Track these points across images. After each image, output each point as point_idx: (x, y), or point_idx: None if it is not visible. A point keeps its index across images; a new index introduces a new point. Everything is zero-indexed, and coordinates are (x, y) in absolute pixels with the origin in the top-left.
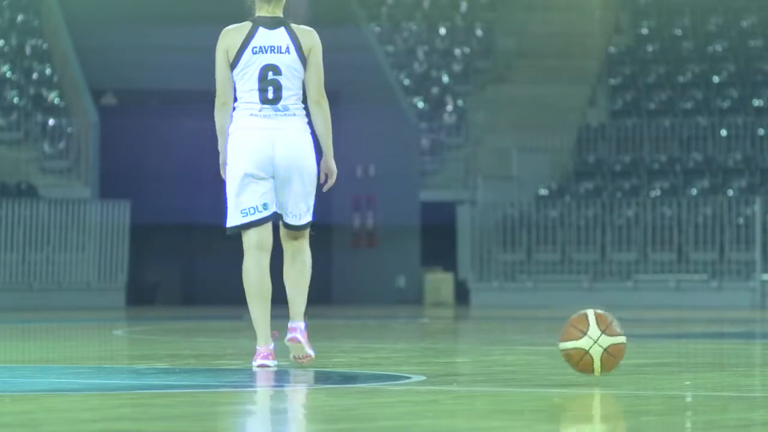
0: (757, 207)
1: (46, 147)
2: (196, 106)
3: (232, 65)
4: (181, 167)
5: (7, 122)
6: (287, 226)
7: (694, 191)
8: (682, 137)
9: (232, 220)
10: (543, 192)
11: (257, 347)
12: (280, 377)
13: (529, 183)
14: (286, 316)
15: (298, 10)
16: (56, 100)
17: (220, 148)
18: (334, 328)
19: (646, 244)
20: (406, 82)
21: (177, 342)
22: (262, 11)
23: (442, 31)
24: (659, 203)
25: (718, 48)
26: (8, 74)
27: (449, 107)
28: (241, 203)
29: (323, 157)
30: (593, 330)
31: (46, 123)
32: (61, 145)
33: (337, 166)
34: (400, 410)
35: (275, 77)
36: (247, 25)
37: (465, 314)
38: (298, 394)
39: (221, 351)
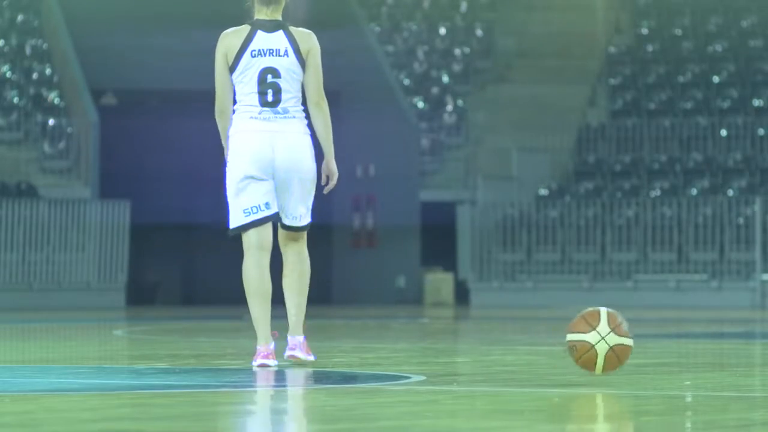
0: (757, 207)
1: (46, 147)
2: (196, 106)
3: (231, 68)
4: (181, 167)
5: (7, 122)
6: (286, 227)
7: (694, 191)
8: (682, 137)
9: (235, 220)
10: (543, 192)
11: (257, 347)
12: (280, 377)
13: (529, 183)
14: (286, 316)
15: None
16: (56, 100)
17: (223, 144)
18: (334, 328)
19: (646, 244)
20: (406, 82)
21: (177, 342)
22: (260, 14)
23: (442, 31)
24: (659, 203)
25: (718, 48)
26: (8, 74)
27: (449, 107)
28: (243, 203)
29: (324, 159)
30: (603, 326)
31: (46, 123)
32: (61, 145)
33: (337, 166)
34: (400, 410)
35: (274, 80)
36: (245, 29)
37: (465, 314)
38: (298, 394)
39: (221, 351)
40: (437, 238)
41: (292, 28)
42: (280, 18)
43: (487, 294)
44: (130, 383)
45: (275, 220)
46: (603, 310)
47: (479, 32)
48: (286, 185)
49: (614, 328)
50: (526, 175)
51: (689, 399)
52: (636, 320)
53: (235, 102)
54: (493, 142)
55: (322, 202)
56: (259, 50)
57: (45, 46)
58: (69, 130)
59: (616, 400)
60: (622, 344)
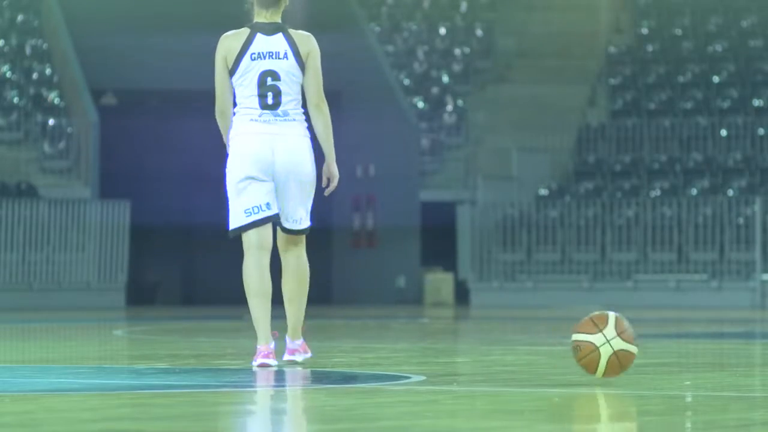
0: (757, 207)
1: (46, 147)
2: (196, 106)
3: (231, 71)
4: (181, 167)
5: (7, 122)
6: (286, 230)
7: (694, 191)
8: (682, 137)
9: (236, 221)
10: (543, 192)
11: (258, 346)
12: (280, 377)
13: (529, 183)
14: (286, 316)
15: (297, 14)
16: (56, 100)
17: (225, 142)
18: (334, 328)
19: (646, 244)
20: (406, 82)
21: (177, 342)
22: (260, 17)
23: (442, 31)
24: (659, 203)
25: (718, 48)
26: (8, 74)
27: (449, 107)
28: (244, 203)
29: (325, 161)
30: (609, 330)
31: (46, 123)
32: (61, 145)
33: (337, 167)
34: (400, 410)
35: (274, 83)
36: (245, 32)
37: (465, 314)
38: (298, 394)
39: (221, 351)
40: (437, 238)
41: (292, 31)
42: (279, 20)
43: (487, 294)
44: (130, 383)
45: (276, 220)
46: (612, 314)
47: (479, 32)
48: (285, 188)
49: (620, 333)
50: (526, 175)
51: (689, 399)
52: (636, 320)
53: (235, 105)
54: (493, 142)
55: (321, 202)
56: (259, 53)
57: (45, 46)
58: (69, 130)
59: (617, 400)
60: (626, 350)
